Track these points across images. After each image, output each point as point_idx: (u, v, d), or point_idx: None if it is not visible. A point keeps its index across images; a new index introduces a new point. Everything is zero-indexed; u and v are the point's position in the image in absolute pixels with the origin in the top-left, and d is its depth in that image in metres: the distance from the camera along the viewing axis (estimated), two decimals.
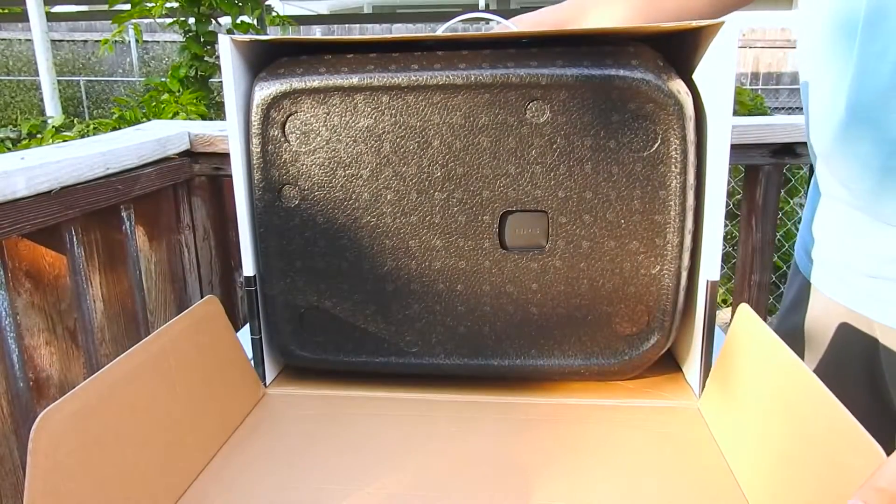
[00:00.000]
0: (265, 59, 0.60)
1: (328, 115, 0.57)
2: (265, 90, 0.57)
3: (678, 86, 0.55)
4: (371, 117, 0.57)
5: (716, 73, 0.55)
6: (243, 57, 0.59)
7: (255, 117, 0.58)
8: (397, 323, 0.62)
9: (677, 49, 0.62)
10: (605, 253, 0.58)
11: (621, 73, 0.54)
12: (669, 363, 0.68)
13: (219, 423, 0.56)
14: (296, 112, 0.58)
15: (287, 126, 0.58)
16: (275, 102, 0.57)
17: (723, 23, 0.53)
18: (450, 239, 0.59)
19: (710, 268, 0.58)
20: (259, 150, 0.58)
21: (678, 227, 0.57)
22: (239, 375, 0.60)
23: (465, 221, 0.59)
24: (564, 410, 0.60)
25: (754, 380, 0.51)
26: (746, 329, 0.53)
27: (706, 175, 0.58)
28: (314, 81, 0.57)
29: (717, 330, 0.61)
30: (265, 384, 0.64)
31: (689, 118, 0.55)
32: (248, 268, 0.62)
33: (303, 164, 0.59)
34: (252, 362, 0.64)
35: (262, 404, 0.61)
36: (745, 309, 0.54)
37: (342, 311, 0.62)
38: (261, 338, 0.64)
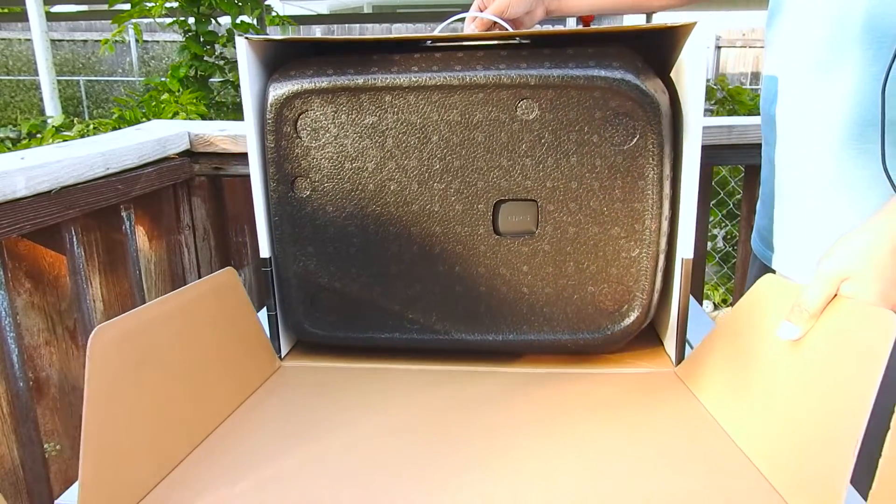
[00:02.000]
0: (278, 59, 0.66)
1: (336, 113, 0.63)
2: (278, 90, 0.63)
3: (655, 85, 0.61)
4: (375, 115, 0.63)
5: (689, 71, 0.61)
6: (258, 57, 0.65)
7: (270, 115, 0.63)
8: (401, 303, 0.68)
9: (657, 48, 0.67)
10: (590, 238, 0.64)
11: (603, 73, 0.60)
12: (652, 337, 0.73)
13: (238, 384, 0.62)
14: (306, 110, 0.63)
15: (299, 123, 0.64)
16: (287, 102, 0.63)
17: (695, 23, 0.59)
18: (448, 226, 0.65)
19: (685, 247, 0.63)
20: (273, 145, 0.64)
21: (656, 214, 0.63)
22: (256, 345, 0.66)
23: (462, 210, 0.64)
24: (553, 378, 0.65)
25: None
26: (770, 287, 0.56)
27: (682, 165, 0.63)
28: (323, 82, 0.62)
29: (698, 307, 0.66)
30: (280, 357, 0.70)
31: (664, 115, 0.61)
32: (265, 250, 0.68)
33: (313, 158, 0.64)
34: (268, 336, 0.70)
35: (278, 374, 0.67)
36: (770, 276, 0.57)
37: (350, 292, 0.68)
38: (276, 314, 0.69)
